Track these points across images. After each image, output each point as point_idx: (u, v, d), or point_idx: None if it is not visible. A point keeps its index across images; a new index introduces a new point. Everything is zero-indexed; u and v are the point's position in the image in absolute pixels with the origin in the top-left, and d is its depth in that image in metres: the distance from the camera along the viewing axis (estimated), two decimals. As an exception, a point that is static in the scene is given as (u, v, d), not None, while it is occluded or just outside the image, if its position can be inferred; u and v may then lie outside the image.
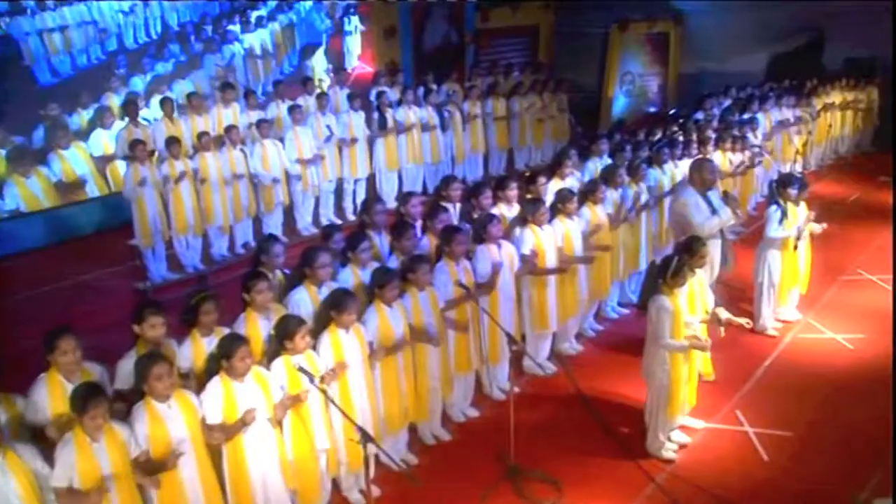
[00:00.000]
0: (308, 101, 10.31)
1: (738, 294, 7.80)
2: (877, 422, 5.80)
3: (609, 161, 7.98)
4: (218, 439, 4.29)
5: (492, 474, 5.35)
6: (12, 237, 9.34)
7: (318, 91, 11.01)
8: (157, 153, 8.85)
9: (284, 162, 9.23)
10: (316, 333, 4.85)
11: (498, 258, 5.86)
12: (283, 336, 4.56)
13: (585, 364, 6.85)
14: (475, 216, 6.28)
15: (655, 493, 5.12)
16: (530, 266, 6.09)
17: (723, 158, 9.11)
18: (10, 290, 8.38)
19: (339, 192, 10.36)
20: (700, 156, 8.75)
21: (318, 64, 13.54)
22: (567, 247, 6.48)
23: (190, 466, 4.19)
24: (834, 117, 13.03)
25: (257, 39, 12.76)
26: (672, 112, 14.38)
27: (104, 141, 9.77)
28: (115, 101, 10.39)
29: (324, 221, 10.08)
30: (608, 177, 7.27)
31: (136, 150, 8.17)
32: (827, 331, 7.30)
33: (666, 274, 5.12)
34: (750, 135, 10.20)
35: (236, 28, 12.38)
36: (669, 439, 5.56)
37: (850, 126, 13.64)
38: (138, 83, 10.97)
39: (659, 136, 9.65)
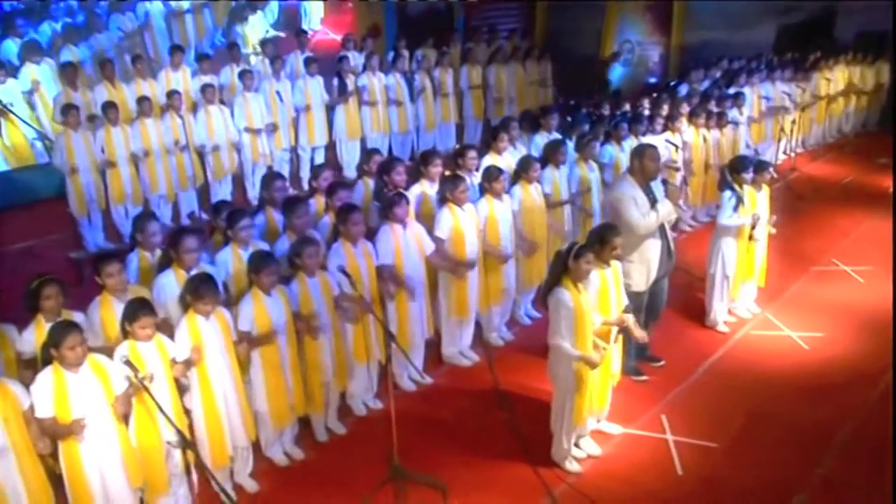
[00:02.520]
0: (264, 65, 9.81)
1: (698, 283, 7.21)
2: (814, 433, 5.29)
3: (558, 136, 7.39)
4: (43, 448, 3.95)
5: (379, 475, 4.91)
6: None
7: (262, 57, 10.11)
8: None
9: (231, 130, 8.80)
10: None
11: (401, 240, 5.38)
12: (124, 320, 4.18)
13: (513, 355, 6.34)
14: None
15: (547, 507, 4.66)
16: (442, 255, 5.61)
17: (696, 135, 8.45)
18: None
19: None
20: (667, 132, 8.18)
21: (254, 31, 11.86)
22: (491, 230, 5.98)
23: (7, 463, 3.83)
24: (836, 94, 12.17)
25: (186, -6, 11.26)
26: (673, 83, 13.64)
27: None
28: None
29: (277, 192, 9.66)
30: (551, 153, 6.72)
31: (68, 116, 7.79)
32: (784, 327, 6.70)
33: (568, 262, 4.59)
34: (735, 111, 9.52)
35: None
36: (578, 446, 5.07)
37: (855, 104, 12.75)
38: (11, 47, 9.31)
39: (626, 109, 9.00)
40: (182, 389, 4.37)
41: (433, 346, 6.22)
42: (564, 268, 4.59)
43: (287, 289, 4.87)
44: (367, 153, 6.40)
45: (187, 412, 4.51)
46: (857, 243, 8.49)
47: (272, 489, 4.90)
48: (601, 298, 4.81)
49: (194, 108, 8.95)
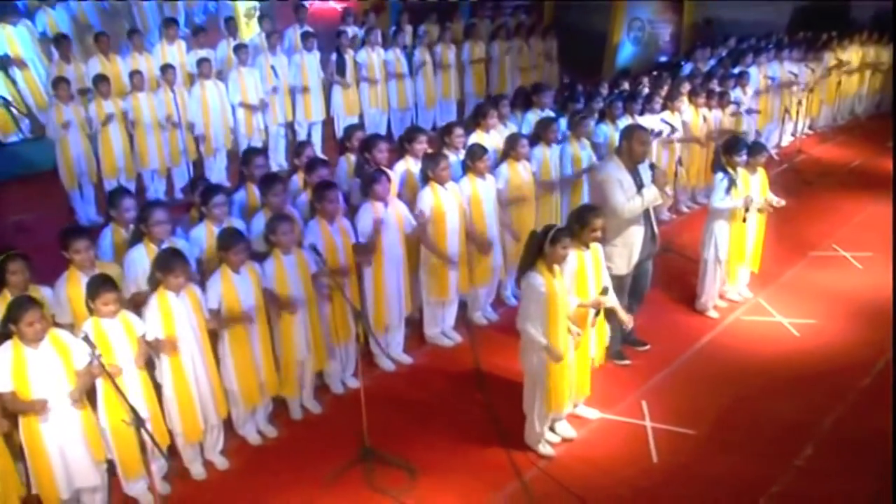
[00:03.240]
0: (260, 39, 9.69)
1: (691, 266, 7.06)
2: (796, 423, 5.15)
3: (551, 114, 7.24)
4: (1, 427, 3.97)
5: (352, 454, 4.86)
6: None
7: (259, 33, 9.88)
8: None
9: (226, 105, 8.72)
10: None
11: (381, 217, 5.28)
12: (88, 296, 4.13)
13: (497, 336, 6.22)
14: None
15: (517, 492, 4.57)
16: (420, 229, 5.51)
17: (695, 115, 8.24)
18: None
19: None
20: (666, 111, 8.00)
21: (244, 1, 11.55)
22: (475, 209, 5.86)
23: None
24: (849, 75, 11.84)
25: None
26: (682, 62, 13.37)
27: None
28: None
29: (273, 167, 9.59)
30: (542, 131, 6.58)
31: (58, 89, 7.74)
32: (776, 314, 6.55)
33: (544, 246, 4.47)
34: (738, 90, 9.28)
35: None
36: (553, 430, 4.99)
37: (868, 85, 12.40)
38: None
39: (624, 87, 8.80)
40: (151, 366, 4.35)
41: (416, 326, 6.16)
42: (540, 251, 4.47)
43: (262, 266, 4.81)
44: (348, 129, 6.27)
45: (157, 388, 4.49)
46: (858, 228, 8.29)
47: (243, 467, 4.87)
48: (578, 280, 4.70)
49: (190, 82, 8.89)
